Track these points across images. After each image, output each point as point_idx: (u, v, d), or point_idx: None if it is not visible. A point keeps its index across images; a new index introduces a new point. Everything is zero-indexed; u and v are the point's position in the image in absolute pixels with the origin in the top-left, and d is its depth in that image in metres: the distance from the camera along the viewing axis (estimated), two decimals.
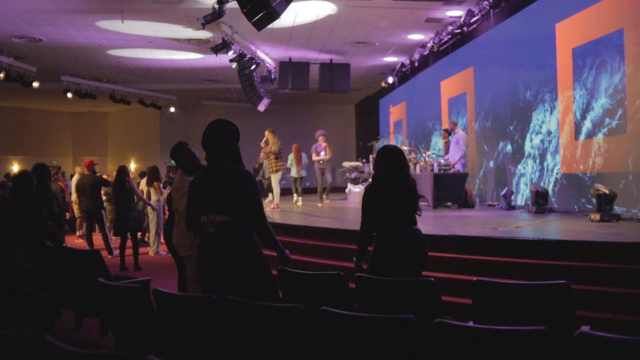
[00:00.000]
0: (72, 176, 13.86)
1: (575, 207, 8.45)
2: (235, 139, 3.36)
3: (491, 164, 11.41)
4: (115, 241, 10.23)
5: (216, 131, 3.33)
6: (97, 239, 9.97)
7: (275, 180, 11.38)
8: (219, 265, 3.23)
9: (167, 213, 9.16)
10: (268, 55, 14.68)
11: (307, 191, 15.32)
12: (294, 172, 12.30)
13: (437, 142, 13.95)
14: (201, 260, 3.34)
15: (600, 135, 7.95)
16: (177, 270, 5.26)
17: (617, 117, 7.56)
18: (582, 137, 8.38)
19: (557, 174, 9.02)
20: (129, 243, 8.59)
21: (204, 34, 12.24)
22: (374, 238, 3.97)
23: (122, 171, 8.65)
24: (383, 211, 3.90)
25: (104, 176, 11.47)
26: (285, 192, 13.31)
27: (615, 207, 7.13)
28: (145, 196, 9.78)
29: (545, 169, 9.36)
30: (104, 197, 10.30)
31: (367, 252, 4.01)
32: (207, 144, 3.32)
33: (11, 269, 4.84)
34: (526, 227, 6.90)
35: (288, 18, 11.10)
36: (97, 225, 9.83)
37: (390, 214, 3.88)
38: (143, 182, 10.23)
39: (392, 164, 3.92)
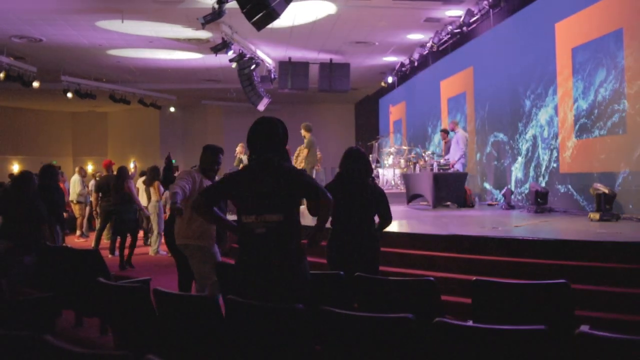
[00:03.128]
0: (93, 176, 13.77)
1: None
2: (285, 139, 3.16)
3: (490, 163, 11.41)
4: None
5: (266, 127, 3.13)
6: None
7: None
8: (267, 270, 2.98)
9: (167, 212, 9.16)
10: (268, 55, 14.67)
11: None
12: None
13: (436, 140, 13.96)
14: (244, 264, 3.05)
15: (599, 135, 7.95)
16: (177, 270, 5.26)
17: (617, 117, 7.55)
18: (581, 136, 8.37)
19: (547, 172, 9.02)
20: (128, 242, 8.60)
21: (203, 34, 12.23)
22: (329, 232, 4.13)
23: (122, 172, 8.66)
24: (336, 207, 3.96)
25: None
26: None
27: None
28: (144, 196, 9.77)
29: (545, 168, 9.35)
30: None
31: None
32: (254, 141, 3.11)
33: (11, 268, 4.84)
34: (526, 226, 6.90)
35: (288, 18, 11.09)
36: (110, 225, 9.73)
37: (342, 212, 4.03)
38: (141, 180, 10.21)
39: (352, 165, 4.13)
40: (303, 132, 10.73)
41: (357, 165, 4.15)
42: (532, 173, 9.76)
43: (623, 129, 7.44)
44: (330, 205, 3.08)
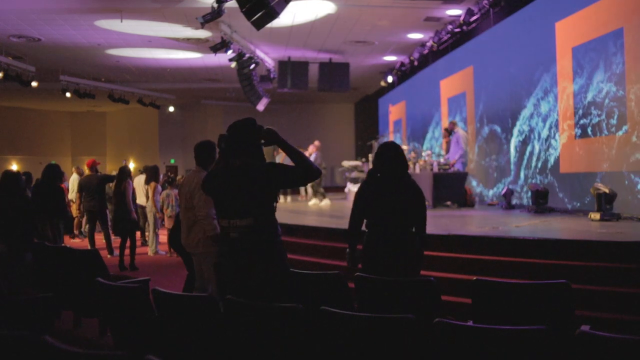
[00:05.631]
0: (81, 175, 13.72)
1: (577, 205, 8.46)
2: (253, 134, 3.03)
3: (490, 162, 11.40)
4: (114, 241, 10.20)
5: (232, 128, 3.07)
6: (98, 238, 9.92)
7: None
8: (244, 274, 3.02)
9: (163, 213, 9.14)
10: (267, 55, 14.67)
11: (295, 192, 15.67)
12: None
13: (436, 134, 13.96)
14: (223, 268, 3.11)
15: (600, 135, 7.95)
16: (186, 268, 5.18)
17: (618, 117, 7.55)
18: (581, 136, 8.37)
19: (547, 172, 9.02)
20: (128, 243, 8.56)
21: (202, 33, 12.22)
22: (364, 235, 3.91)
23: (123, 172, 8.62)
24: (373, 208, 3.82)
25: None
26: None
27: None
28: (144, 194, 9.75)
29: (545, 168, 9.35)
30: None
31: (357, 249, 3.96)
32: (227, 144, 3.08)
33: (11, 268, 4.84)
34: (526, 226, 6.89)
35: (287, 17, 11.08)
36: (100, 225, 9.71)
37: (380, 212, 3.79)
38: (141, 178, 10.17)
39: (388, 161, 3.81)
40: None
41: (393, 163, 3.78)
42: (531, 173, 9.75)
43: (623, 129, 7.44)
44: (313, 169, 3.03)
